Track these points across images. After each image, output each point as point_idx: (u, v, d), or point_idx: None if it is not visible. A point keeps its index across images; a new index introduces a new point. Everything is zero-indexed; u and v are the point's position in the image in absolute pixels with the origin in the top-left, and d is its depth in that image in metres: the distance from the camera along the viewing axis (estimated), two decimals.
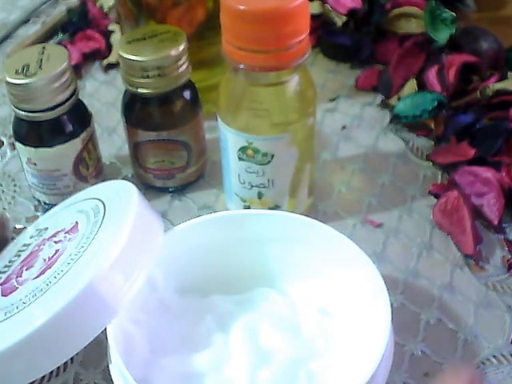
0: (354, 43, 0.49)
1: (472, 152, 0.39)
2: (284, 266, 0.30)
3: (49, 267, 0.26)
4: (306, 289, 0.29)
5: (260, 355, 0.26)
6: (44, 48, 0.35)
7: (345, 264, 0.27)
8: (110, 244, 0.24)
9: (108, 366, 0.25)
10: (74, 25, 0.54)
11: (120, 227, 0.25)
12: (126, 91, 0.37)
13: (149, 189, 0.40)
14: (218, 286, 0.29)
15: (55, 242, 0.28)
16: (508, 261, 0.35)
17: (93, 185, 0.33)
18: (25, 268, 0.27)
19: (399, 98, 0.44)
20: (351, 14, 0.48)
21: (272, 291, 0.30)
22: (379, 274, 0.26)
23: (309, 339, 0.27)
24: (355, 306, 0.27)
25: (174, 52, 0.35)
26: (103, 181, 0.34)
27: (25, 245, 0.30)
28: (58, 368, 0.31)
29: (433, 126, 0.42)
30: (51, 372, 0.31)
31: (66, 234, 0.28)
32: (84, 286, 0.23)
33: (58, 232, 0.29)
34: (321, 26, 0.50)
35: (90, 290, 0.23)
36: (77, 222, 0.28)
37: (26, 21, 0.58)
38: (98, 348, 0.27)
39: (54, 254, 0.27)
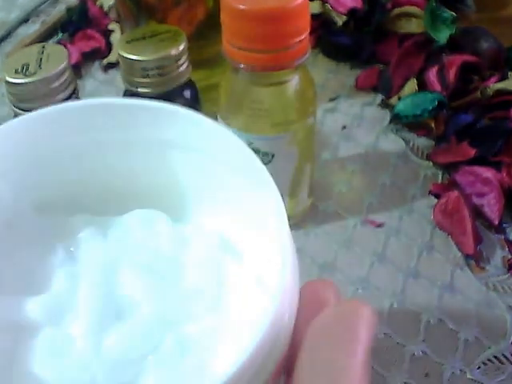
0: (354, 43, 0.49)
1: (472, 152, 0.39)
2: (174, 181, 0.22)
3: None
4: (200, 213, 0.22)
5: (113, 309, 0.19)
6: (43, 47, 0.35)
7: (245, 180, 0.20)
8: None
9: None
10: (74, 24, 0.54)
11: None
12: (125, 91, 0.37)
13: None
14: (86, 203, 0.22)
15: None
16: (508, 261, 0.35)
17: None
18: None
19: (399, 98, 0.44)
20: (352, 13, 0.48)
21: (155, 213, 0.22)
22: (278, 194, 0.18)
23: (193, 289, 0.20)
24: (257, 239, 0.20)
25: (174, 52, 0.35)
26: None
27: None
28: None
29: (433, 125, 0.42)
30: None
31: None
32: None
33: None
34: (321, 25, 0.50)
35: None
36: None
37: (25, 20, 0.58)
38: None
39: None
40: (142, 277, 0.20)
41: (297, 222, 0.37)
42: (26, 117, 0.20)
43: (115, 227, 0.21)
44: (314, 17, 0.46)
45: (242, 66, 0.30)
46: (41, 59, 0.34)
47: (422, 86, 0.43)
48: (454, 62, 0.43)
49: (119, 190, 0.22)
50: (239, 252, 0.21)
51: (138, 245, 0.21)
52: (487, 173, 0.38)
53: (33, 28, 0.57)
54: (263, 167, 0.18)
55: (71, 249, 0.21)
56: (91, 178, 0.22)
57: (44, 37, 0.54)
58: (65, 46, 0.38)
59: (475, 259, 0.35)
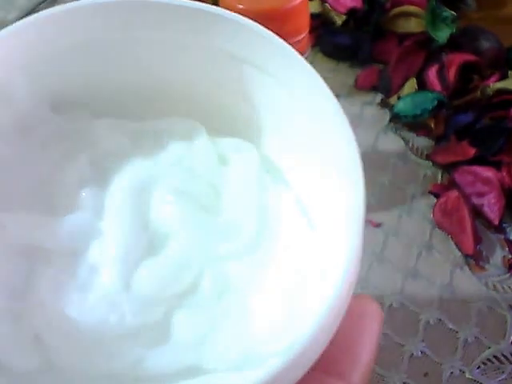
0: (353, 42, 0.49)
1: (472, 151, 0.39)
2: (217, 91, 0.18)
3: None
4: (241, 131, 0.18)
5: (145, 240, 0.16)
6: None
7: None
8: None
9: None
10: None
11: None
12: None
13: None
14: (118, 104, 0.18)
15: None
16: (508, 261, 0.35)
17: None
18: None
19: (399, 98, 0.44)
20: (351, 13, 0.48)
21: (193, 125, 0.18)
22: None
23: (231, 222, 0.17)
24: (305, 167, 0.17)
25: None
26: None
27: None
28: None
29: (433, 125, 0.42)
30: None
31: None
32: None
33: None
34: (320, 25, 0.50)
35: None
36: None
37: None
38: None
39: None
40: (176, 203, 0.17)
41: None
42: (48, 11, 0.17)
43: (147, 135, 0.18)
44: (313, 16, 0.45)
45: None
46: None
47: (422, 86, 0.43)
48: (454, 61, 0.43)
49: (152, 94, 0.18)
50: (283, 176, 0.18)
51: (173, 162, 0.18)
52: (487, 172, 0.38)
53: None
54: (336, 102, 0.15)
55: (95, 159, 0.17)
56: (119, 76, 0.18)
57: None
58: None
59: (475, 259, 0.35)
